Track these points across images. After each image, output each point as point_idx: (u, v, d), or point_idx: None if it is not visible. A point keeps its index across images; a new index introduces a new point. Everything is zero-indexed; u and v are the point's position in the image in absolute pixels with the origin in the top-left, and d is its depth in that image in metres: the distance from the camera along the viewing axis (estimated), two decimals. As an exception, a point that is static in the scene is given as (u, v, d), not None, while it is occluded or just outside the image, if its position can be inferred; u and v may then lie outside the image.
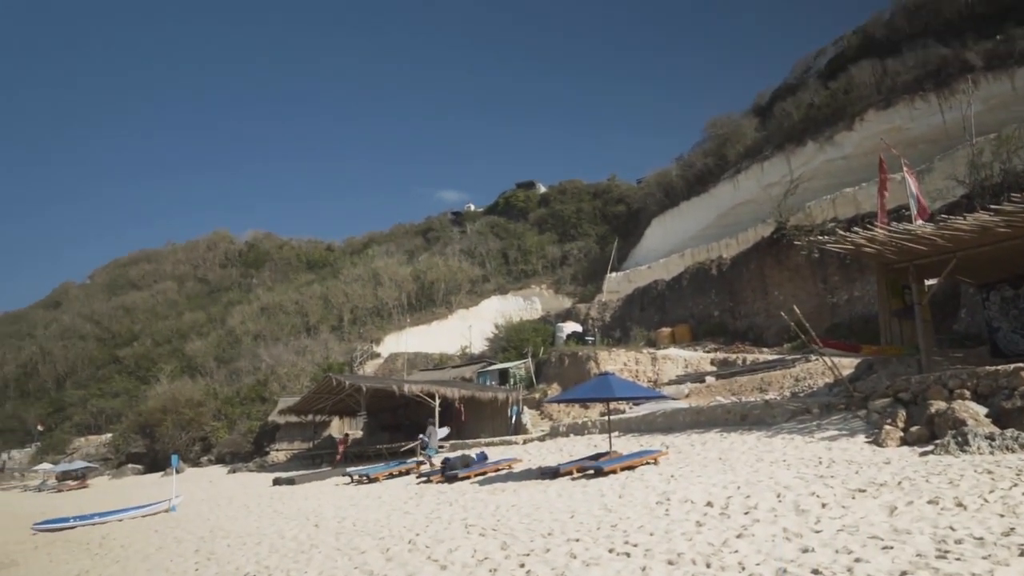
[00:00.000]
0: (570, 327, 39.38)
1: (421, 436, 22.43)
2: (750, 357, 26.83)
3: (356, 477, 21.29)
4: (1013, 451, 9.17)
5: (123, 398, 66.97)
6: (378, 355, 56.33)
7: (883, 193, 17.47)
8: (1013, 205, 11.22)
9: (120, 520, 19.30)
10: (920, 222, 15.22)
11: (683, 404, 21.48)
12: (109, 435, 59.15)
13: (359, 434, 35.68)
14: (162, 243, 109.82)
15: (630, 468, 13.23)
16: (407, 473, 20.89)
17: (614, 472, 13.07)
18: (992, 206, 11.98)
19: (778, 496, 8.62)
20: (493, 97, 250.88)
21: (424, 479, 18.19)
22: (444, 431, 24.30)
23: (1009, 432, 9.65)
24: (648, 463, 13.48)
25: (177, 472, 27.86)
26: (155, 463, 46.87)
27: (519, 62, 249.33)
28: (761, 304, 31.36)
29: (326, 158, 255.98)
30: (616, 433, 18.83)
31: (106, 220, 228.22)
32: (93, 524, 19.03)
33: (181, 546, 13.46)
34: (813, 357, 21.26)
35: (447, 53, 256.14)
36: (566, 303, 56.13)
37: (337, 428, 40.09)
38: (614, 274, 56.04)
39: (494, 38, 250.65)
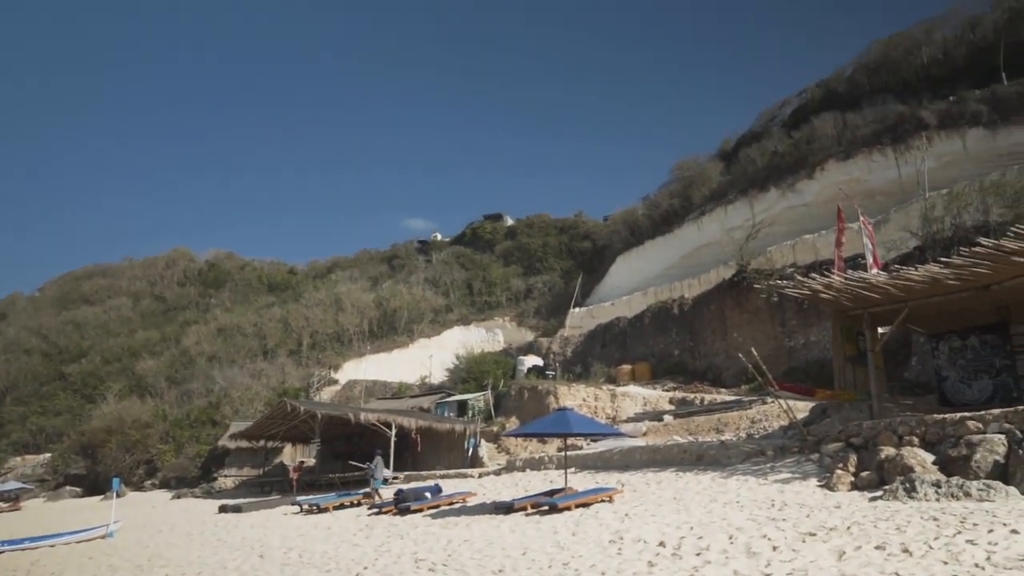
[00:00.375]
0: (531, 360, 39.33)
1: (368, 464, 21.98)
2: (708, 397, 27.04)
3: (306, 507, 20.75)
4: (958, 499, 9.32)
5: (66, 417, 64.57)
6: (336, 381, 55.46)
7: (840, 241, 17.92)
8: (962, 259, 11.59)
9: (52, 546, 18.42)
10: (875, 271, 15.63)
11: (640, 442, 21.49)
12: (48, 455, 56.86)
13: (312, 462, 34.89)
14: (119, 258, 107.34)
15: (585, 505, 13.12)
16: (359, 504, 20.43)
17: (568, 509, 12.94)
18: (942, 259, 12.37)
19: (730, 538, 8.60)
20: (463, 129, 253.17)
21: (376, 511, 17.80)
22: (388, 472, 23.79)
23: (954, 480, 9.82)
24: (603, 501, 13.39)
25: (118, 496, 26.82)
26: (95, 486, 45.11)
27: (492, 96, 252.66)
28: (721, 345, 31.74)
29: (294, 181, 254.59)
30: (572, 469, 18.73)
31: (61, 231, 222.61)
32: (23, 549, 18.13)
33: (116, 575, 12.88)
34: (769, 399, 21.52)
35: (421, 81, 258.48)
36: (528, 336, 56.14)
37: (289, 455, 39.16)
38: (577, 309, 56.34)
39: (468, 71, 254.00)
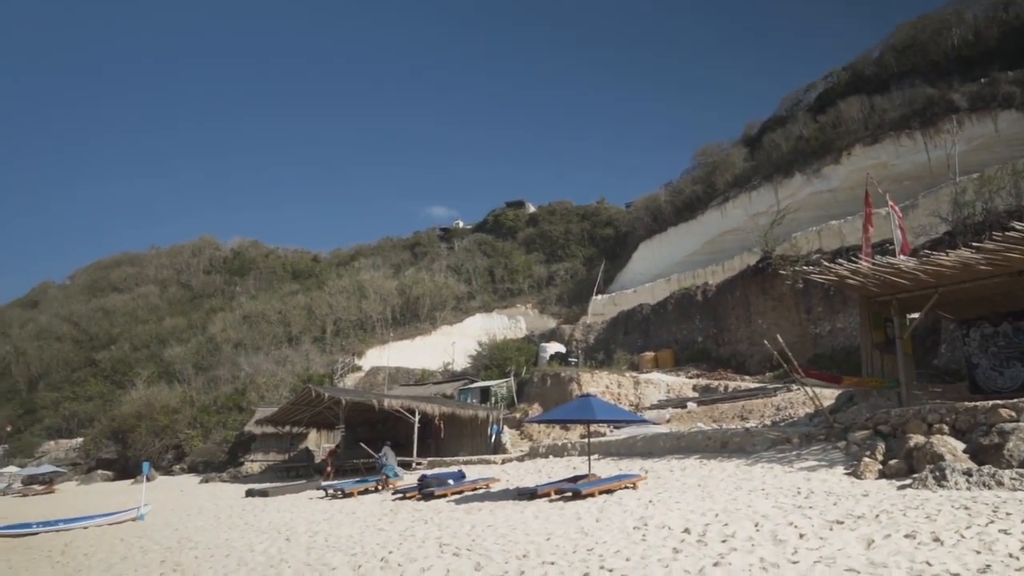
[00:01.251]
0: (554, 347, 39.31)
1: (379, 455, 22.13)
2: (732, 384, 26.85)
3: (331, 491, 20.99)
4: (990, 487, 9.17)
5: (97, 402, 65.93)
6: (359, 368, 55.93)
7: (868, 227, 17.63)
8: (994, 243, 11.34)
9: (85, 527, 18.85)
10: (903, 257, 15.35)
11: (664, 429, 21.42)
12: (80, 440, 58.12)
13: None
14: (146, 247, 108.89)
15: (608, 492, 13.11)
16: (377, 490, 20.62)
17: (592, 495, 12.94)
18: (974, 243, 12.10)
19: (756, 525, 8.55)
20: (487, 116, 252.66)
21: (399, 496, 17.96)
22: (395, 465, 23.65)
23: (986, 468, 9.65)
24: (627, 487, 13.37)
25: (148, 480, 27.36)
26: (126, 470, 46.08)
27: (513, 84, 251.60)
28: (745, 332, 31.46)
29: (318, 167, 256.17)
30: (595, 456, 18.72)
31: (89, 220, 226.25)
32: (56, 531, 18.58)
33: (147, 556, 13.15)
34: (794, 387, 21.31)
35: (443, 73, 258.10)
36: (551, 323, 56.11)
37: (314, 440, 39.61)
38: (600, 296, 56.16)
39: (490, 59, 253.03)
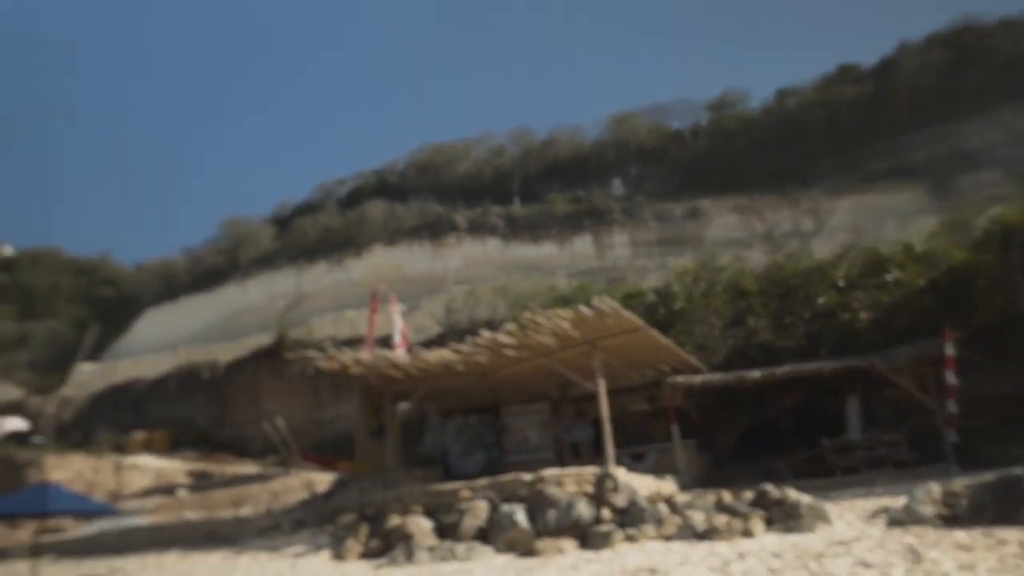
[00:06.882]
0: (11, 424, 32.24)
1: None
2: (231, 470, 25.64)
3: None
4: (447, 560, 10.37)
5: None
6: None
7: (372, 321, 19.12)
8: (468, 347, 13.36)
9: None
10: (400, 351, 17.00)
11: (145, 521, 19.02)
12: None
13: None
14: None
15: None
16: None
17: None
18: (454, 345, 14.08)
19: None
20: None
21: None
22: None
23: (446, 543, 10.91)
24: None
25: None
26: None
27: None
28: (251, 414, 30.60)
29: None
30: (52, 557, 15.49)
31: None
32: None
33: None
34: (294, 472, 21.33)
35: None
36: (15, 393, 46.03)
37: None
38: (88, 366, 48.59)
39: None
